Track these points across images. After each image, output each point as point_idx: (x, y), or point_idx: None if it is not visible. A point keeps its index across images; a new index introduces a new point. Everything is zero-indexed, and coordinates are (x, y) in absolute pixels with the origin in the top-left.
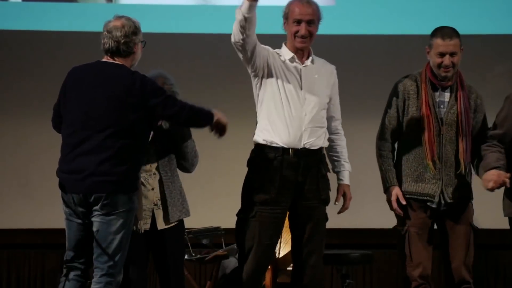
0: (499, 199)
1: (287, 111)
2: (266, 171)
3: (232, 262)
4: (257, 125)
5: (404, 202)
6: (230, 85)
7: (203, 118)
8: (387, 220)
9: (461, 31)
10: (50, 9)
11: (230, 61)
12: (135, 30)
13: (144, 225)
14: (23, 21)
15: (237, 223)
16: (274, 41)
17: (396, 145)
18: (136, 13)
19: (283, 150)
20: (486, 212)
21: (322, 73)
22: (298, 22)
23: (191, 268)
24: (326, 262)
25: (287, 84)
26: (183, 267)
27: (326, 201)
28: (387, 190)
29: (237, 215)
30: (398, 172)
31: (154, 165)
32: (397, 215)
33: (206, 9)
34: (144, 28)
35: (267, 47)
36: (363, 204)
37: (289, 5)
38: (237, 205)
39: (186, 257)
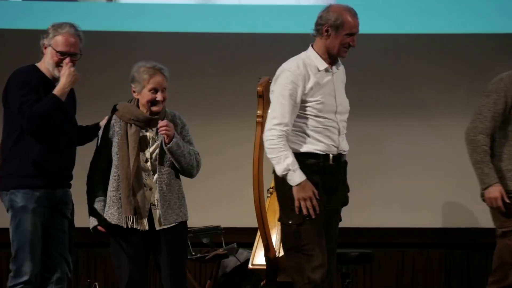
0: None
1: (325, 121)
2: (310, 178)
3: (232, 261)
4: (293, 136)
5: (508, 200)
6: (229, 84)
7: (49, 108)
8: (387, 219)
9: (462, 30)
10: (50, 8)
11: (230, 60)
12: (46, 32)
13: (141, 223)
14: (23, 20)
15: (290, 231)
16: (281, 39)
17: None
18: (136, 12)
19: (324, 157)
20: (486, 211)
21: (342, 77)
22: (352, 34)
23: (191, 267)
24: None
25: (323, 96)
26: (185, 268)
27: (346, 204)
28: (488, 187)
29: (283, 222)
30: (502, 169)
31: (152, 166)
32: (498, 216)
33: (206, 8)
34: (144, 27)
35: (298, 76)
36: (363, 204)
37: (340, 16)
38: (237, 204)
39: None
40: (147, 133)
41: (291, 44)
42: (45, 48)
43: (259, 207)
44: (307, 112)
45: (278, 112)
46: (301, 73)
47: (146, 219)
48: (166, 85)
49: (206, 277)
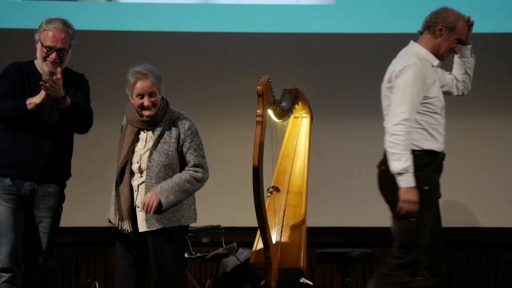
0: (499, 199)
1: (439, 118)
2: (432, 177)
3: (232, 261)
4: (415, 133)
5: None
6: (229, 84)
7: (12, 109)
8: (388, 219)
9: None
10: (50, 7)
11: (230, 60)
12: (39, 27)
13: (124, 225)
14: (23, 19)
15: (411, 227)
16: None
17: None
18: (136, 12)
19: (439, 155)
20: (486, 211)
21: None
22: (460, 41)
23: (191, 266)
24: (326, 260)
25: (438, 92)
26: (177, 270)
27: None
28: None
29: (398, 219)
30: None
31: (141, 168)
32: None
33: (206, 8)
34: (144, 27)
35: (423, 73)
36: (363, 203)
37: (457, 19)
38: (237, 204)
39: (186, 255)
40: (145, 135)
41: (291, 44)
42: (37, 43)
43: (259, 207)
44: (426, 109)
45: (407, 107)
46: (425, 70)
47: (129, 221)
48: (155, 88)
49: (206, 276)
